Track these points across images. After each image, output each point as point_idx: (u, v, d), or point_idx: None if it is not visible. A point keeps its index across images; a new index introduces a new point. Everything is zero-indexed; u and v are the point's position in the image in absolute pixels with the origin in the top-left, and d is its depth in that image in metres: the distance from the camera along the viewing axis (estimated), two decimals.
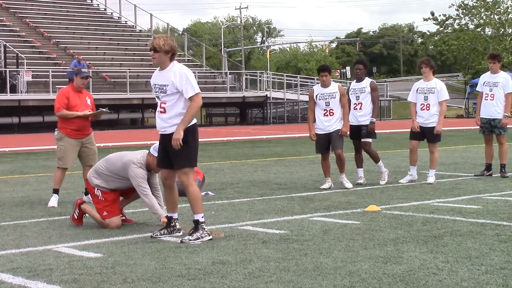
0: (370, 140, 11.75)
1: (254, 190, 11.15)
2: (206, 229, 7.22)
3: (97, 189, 8.13)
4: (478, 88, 12.95)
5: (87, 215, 8.23)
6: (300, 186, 11.62)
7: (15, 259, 6.46)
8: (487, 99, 12.64)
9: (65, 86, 10.46)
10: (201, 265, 6.09)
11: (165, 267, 6.04)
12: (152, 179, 8.14)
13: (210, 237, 7.16)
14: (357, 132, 11.70)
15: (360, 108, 11.66)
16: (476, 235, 7.26)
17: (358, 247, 6.73)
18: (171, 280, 5.62)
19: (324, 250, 6.61)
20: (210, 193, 10.71)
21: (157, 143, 7.63)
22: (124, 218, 8.29)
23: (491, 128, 12.66)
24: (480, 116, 12.76)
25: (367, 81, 11.79)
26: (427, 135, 11.83)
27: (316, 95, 11.20)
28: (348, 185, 11.18)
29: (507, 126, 12.74)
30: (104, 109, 10.26)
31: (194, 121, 7.29)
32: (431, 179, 11.66)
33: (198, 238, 7.09)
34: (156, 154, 7.66)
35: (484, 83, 12.73)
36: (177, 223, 7.48)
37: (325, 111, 11.16)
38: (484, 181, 11.92)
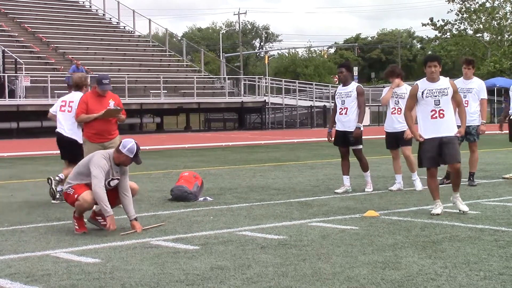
0: (360, 146, 11.39)
1: (252, 195, 11.15)
2: None
3: (70, 188, 8.08)
4: None
5: (85, 219, 8.21)
6: (298, 191, 11.62)
7: (13, 264, 6.45)
8: None
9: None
10: (199, 271, 6.09)
11: (163, 273, 6.04)
12: (123, 181, 8.13)
13: None
14: (343, 138, 11.34)
15: (346, 113, 11.28)
16: (475, 241, 7.26)
17: (357, 253, 6.73)
18: (169, 286, 5.62)
19: (323, 256, 6.61)
20: (208, 198, 10.70)
21: (129, 142, 8.01)
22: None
23: (464, 135, 12.30)
24: None
25: (353, 85, 11.35)
26: (399, 140, 11.61)
27: (423, 92, 9.21)
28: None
29: (482, 133, 12.42)
30: (112, 107, 9.97)
31: None
32: (418, 184, 11.51)
33: None
34: (128, 153, 7.93)
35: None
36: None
37: (434, 112, 9.18)
38: (482, 187, 11.92)
